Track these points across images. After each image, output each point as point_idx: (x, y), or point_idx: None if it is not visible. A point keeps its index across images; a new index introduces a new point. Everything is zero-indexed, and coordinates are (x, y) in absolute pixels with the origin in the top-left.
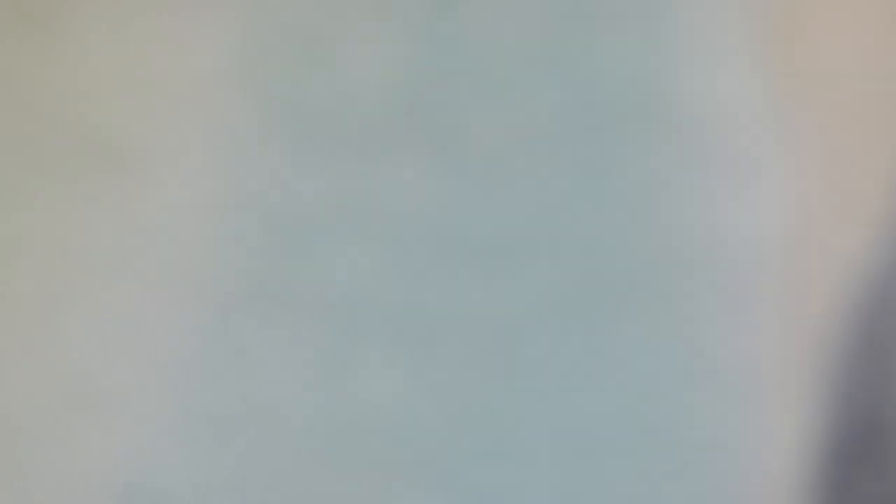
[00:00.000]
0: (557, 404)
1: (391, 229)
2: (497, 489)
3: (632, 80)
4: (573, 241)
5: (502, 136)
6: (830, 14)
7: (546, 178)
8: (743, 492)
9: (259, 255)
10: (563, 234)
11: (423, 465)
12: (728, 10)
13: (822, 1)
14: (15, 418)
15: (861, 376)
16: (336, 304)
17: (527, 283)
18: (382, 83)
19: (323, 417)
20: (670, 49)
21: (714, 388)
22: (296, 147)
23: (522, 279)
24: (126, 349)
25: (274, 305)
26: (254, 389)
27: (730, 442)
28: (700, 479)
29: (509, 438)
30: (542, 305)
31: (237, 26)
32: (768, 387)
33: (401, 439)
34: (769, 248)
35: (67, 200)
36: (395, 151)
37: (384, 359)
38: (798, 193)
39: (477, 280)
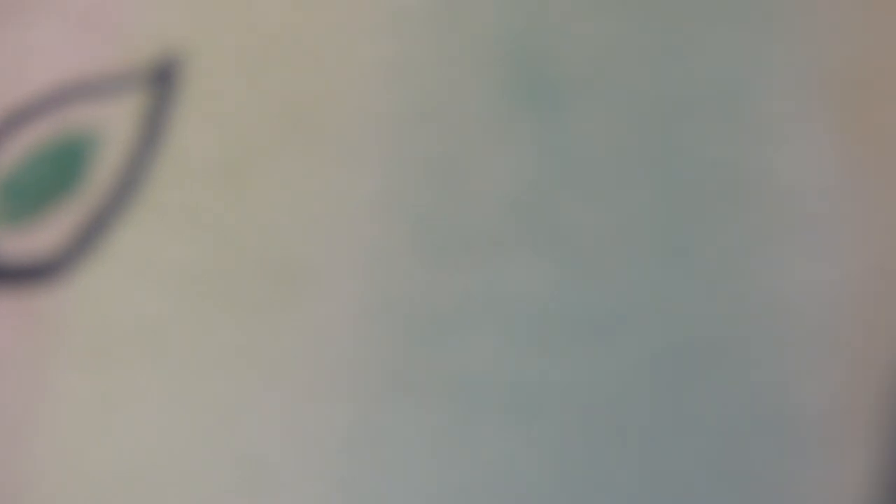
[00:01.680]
0: (654, 462)
1: (507, 317)
2: None
3: (714, 164)
4: (665, 316)
5: (601, 229)
6: None
7: (639, 263)
8: None
9: (400, 351)
10: (655, 310)
11: None
12: (801, 86)
13: (890, 68)
14: (201, 501)
15: None
16: (461, 386)
17: (624, 356)
18: (500, 194)
19: (448, 484)
20: (748, 129)
21: (793, 439)
22: (432, 257)
23: (620, 353)
24: (293, 440)
25: (409, 393)
26: (391, 466)
27: (800, 492)
28: None
29: (612, 496)
30: (638, 375)
31: (386, 159)
32: (841, 435)
33: (513, 500)
34: (842, 305)
35: (253, 318)
36: (511, 251)
37: (501, 429)
38: (870, 253)
39: (580, 356)
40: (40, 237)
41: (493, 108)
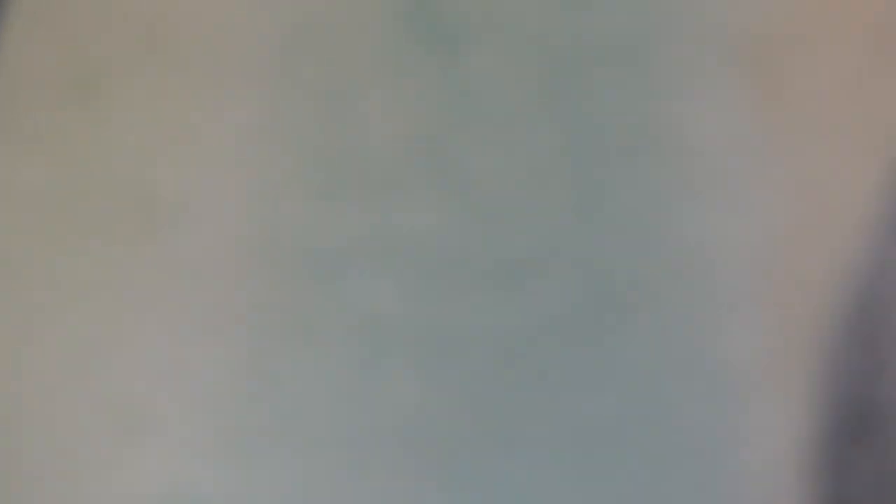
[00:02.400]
0: (564, 408)
1: (408, 259)
2: (508, 484)
3: (621, 113)
4: (575, 261)
5: (507, 171)
6: (812, 43)
7: (549, 206)
8: (745, 482)
9: (289, 289)
10: (565, 255)
11: (441, 464)
12: (712, 46)
13: (802, 32)
14: (70, 444)
15: (852, 365)
16: (360, 327)
17: (534, 301)
18: (395, 132)
19: (351, 427)
20: (655, 80)
21: (712, 386)
22: (320, 192)
23: (530, 297)
24: (169, 380)
25: (303, 332)
26: (286, 408)
27: (730, 435)
28: (703, 472)
29: (520, 438)
30: (549, 319)
31: (265, 87)
32: (765, 382)
33: (422, 442)
34: (758, 255)
35: (117, 249)
36: (410, 190)
37: (405, 372)
38: (783, 205)
39: (489, 300)
40: None
41: (386, 40)
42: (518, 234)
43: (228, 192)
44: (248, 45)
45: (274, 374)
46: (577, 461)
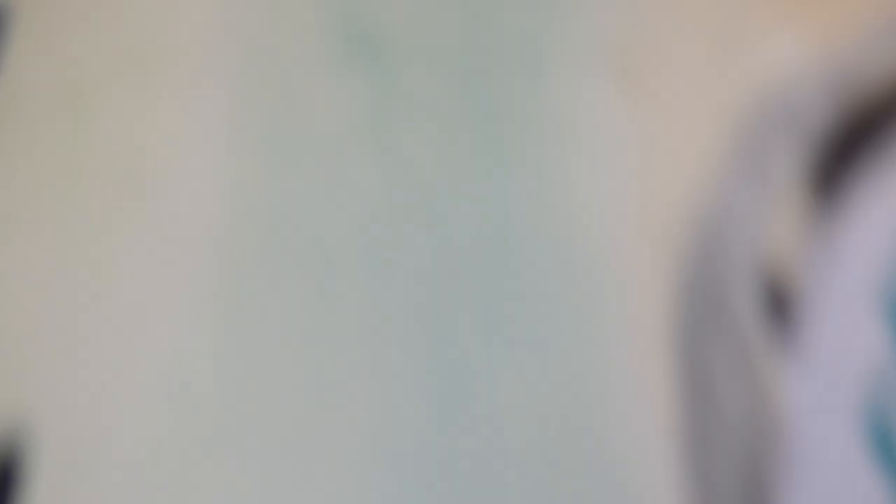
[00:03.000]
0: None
1: (355, 213)
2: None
3: (524, 102)
4: (481, 204)
5: (427, 146)
6: (665, 45)
7: (463, 170)
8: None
9: (255, 237)
10: (474, 202)
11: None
12: (587, 49)
13: (657, 37)
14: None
15: (704, 275)
16: (316, 263)
17: (450, 234)
18: (338, 119)
19: (313, 343)
20: (546, 82)
21: (574, 347)
22: (279, 166)
23: (447, 232)
24: (152, 326)
25: (270, 269)
26: (264, 327)
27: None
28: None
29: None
30: (462, 247)
31: (230, 88)
32: (629, 291)
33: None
34: (626, 201)
35: (113, 217)
36: (355, 162)
37: (355, 291)
38: (647, 166)
39: (415, 233)
40: None
41: (326, 53)
42: (434, 184)
43: (205, 169)
44: (214, 55)
45: (251, 299)
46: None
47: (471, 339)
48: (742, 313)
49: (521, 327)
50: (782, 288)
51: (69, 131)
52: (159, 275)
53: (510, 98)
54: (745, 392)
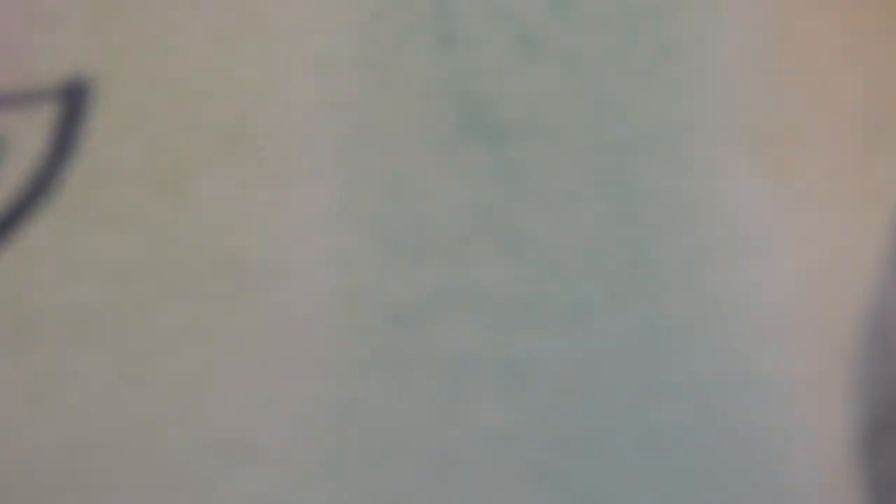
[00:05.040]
0: (630, 423)
1: (483, 306)
2: (588, 487)
3: (663, 191)
4: (628, 303)
5: (562, 234)
6: (812, 131)
7: (601, 261)
8: (795, 480)
9: (376, 333)
10: (619, 299)
11: (524, 476)
12: (731, 136)
13: (803, 123)
14: (181, 467)
15: (878, 371)
16: (445, 363)
17: (595, 335)
18: (459, 205)
19: (441, 449)
20: (685, 165)
21: (762, 399)
22: (399, 255)
23: (592, 332)
24: (268, 414)
25: (392, 368)
26: (379, 436)
27: (780, 440)
28: (757, 472)
29: (591, 452)
30: (609, 351)
31: (338, 172)
32: (807, 393)
33: (506, 460)
34: (787, 291)
35: (215, 305)
36: (478, 251)
37: (487, 398)
38: (801, 254)
39: (556, 335)
40: None
41: (440, 135)
42: (575, 284)
43: (314, 257)
44: (318, 136)
45: (366, 406)
46: (644, 470)
47: (622, 459)
48: None
49: (682, 442)
50: None
51: (160, 217)
52: (272, 366)
53: (652, 187)
54: None
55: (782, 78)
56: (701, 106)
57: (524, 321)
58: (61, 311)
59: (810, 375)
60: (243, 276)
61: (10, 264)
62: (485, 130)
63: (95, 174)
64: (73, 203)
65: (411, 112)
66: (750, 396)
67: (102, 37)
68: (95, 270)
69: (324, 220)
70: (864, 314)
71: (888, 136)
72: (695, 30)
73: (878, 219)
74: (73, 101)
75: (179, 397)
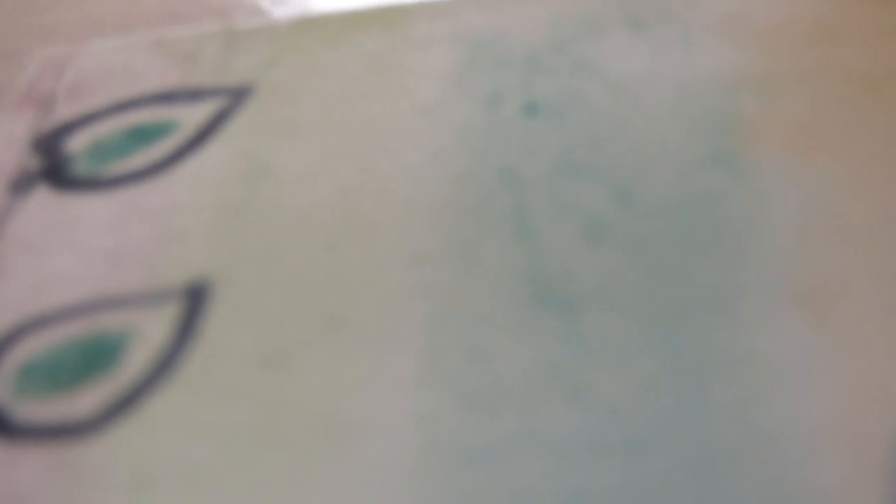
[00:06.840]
0: None
1: (555, 450)
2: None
3: (709, 347)
4: (680, 437)
5: (619, 387)
6: (858, 286)
7: (658, 403)
8: None
9: (448, 476)
10: (667, 439)
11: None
12: (779, 291)
13: (849, 278)
14: None
15: None
16: (508, 495)
17: (652, 467)
18: (531, 367)
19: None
20: (739, 322)
21: None
22: (477, 409)
23: (648, 465)
24: None
25: (461, 502)
26: None
27: None
28: None
29: None
30: (662, 482)
31: (424, 345)
32: None
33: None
34: (827, 422)
35: (309, 459)
36: (548, 403)
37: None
38: (842, 392)
39: (615, 469)
40: (77, 402)
41: (515, 310)
42: (629, 425)
43: (402, 416)
44: (405, 317)
45: None
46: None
47: None
48: None
49: None
50: None
51: (266, 387)
52: None
53: (700, 339)
54: None
55: (825, 244)
56: (750, 272)
57: (582, 459)
58: (177, 468)
59: (850, 497)
60: (338, 434)
61: (135, 429)
62: (554, 303)
63: (211, 355)
64: (190, 378)
65: (489, 291)
66: None
67: (224, 247)
68: (208, 434)
69: (411, 385)
70: None
71: None
72: (743, 210)
73: None
74: (195, 298)
75: None
